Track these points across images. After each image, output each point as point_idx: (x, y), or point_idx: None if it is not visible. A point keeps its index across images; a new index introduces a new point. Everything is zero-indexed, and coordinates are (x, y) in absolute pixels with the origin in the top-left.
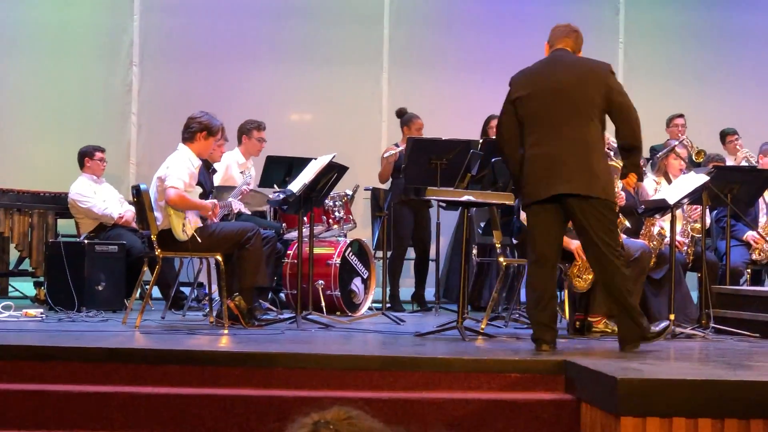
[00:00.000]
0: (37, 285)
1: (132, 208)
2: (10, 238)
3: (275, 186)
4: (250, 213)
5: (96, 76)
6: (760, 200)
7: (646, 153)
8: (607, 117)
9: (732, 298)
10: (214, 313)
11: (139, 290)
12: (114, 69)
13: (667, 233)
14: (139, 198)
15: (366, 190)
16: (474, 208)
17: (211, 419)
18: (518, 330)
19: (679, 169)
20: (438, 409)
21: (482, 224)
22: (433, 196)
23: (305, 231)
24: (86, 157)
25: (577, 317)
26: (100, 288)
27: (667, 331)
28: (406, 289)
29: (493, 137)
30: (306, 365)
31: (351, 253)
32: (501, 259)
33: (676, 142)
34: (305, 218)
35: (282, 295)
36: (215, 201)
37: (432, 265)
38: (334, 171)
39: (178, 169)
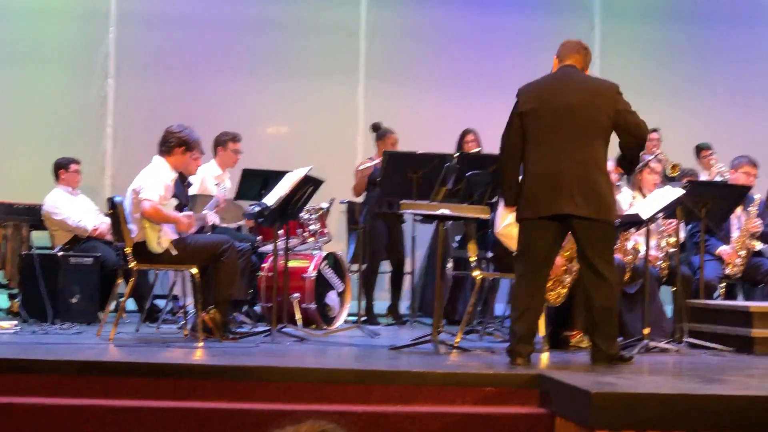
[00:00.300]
0: (10, 297)
1: (107, 221)
2: None
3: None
4: (225, 226)
5: (71, 88)
6: (732, 215)
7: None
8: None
9: (706, 312)
10: (189, 326)
11: (113, 302)
12: (89, 81)
13: (642, 247)
14: (114, 210)
15: (341, 203)
16: (449, 222)
17: None
18: (493, 344)
19: (654, 183)
20: (413, 422)
21: (457, 238)
22: (409, 209)
23: (280, 244)
24: (61, 169)
25: (552, 331)
26: (74, 300)
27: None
28: (382, 302)
29: (469, 151)
30: (281, 378)
31: (326, 267)
32: (476, 272)
33: (651, 157)
34: (280, 231)
35: (257, 308)
36: (190, 213)
37: (407, 279)
38: (309, 184)
39: (154, 181)
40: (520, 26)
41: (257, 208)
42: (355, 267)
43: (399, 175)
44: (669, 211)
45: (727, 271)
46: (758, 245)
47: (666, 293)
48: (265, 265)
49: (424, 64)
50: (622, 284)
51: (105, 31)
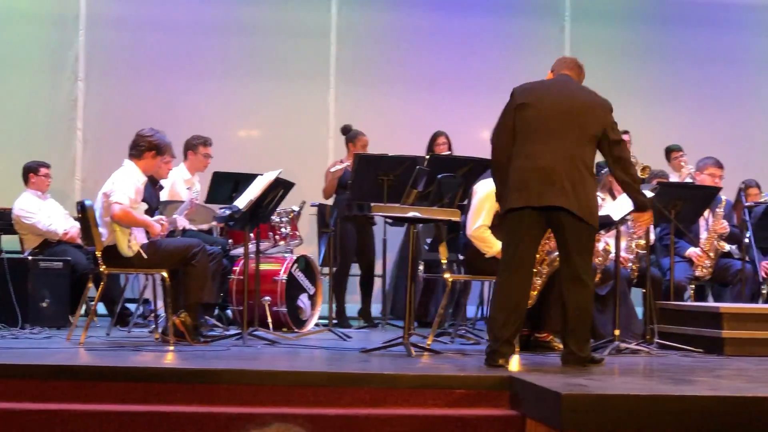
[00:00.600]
0: None
1: (77, 224)
2: None
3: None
4: (196, 229)
5: (41, 92)
6: (700, 217)
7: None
8: None
9: (676, 313)
10: (160, 330)
11: (83, 306)
12: (59, 84)
13: (612, 249)
14: (84, 214)
15: (312, 206)
16: (420, 225)
17: None
18: (464, 346)
19: None
20: (384, 425)
21: (428, 240)
22: (379, 212)
23: (251, 247)
24: (31, 172)
25: (523, 333)
26: (44, 305)
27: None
28: (353, 305)
29: (440, 154)
30: (252, 381)
31: (297, 270)
32: (447, 275)
33: None
34: (251, 234)
35: (228, 311)
36: (162, 217)
37: (378, 281)
38: (280, 187)
39: (124, 185)
40: (490, 29)
41: (228, 212)
42: (326, 270)
43: (370, 178)
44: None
45: (697, 273)
46: (727, 246)
47: (636, 295)
48: (236, 269)
49: (394, 67)
50: (593, 286)
51: (75, 35)
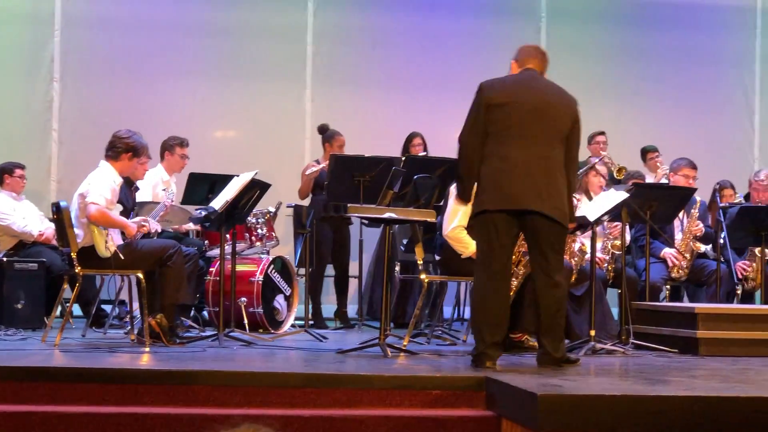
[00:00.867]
0: None
1: (52, 226)
2: None
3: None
4: (171, 231)
5: (16, 92)
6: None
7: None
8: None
9: (651, 314)
10: (136, 331)
11: (59, 308)
12: (34, 85)
13: (588, 250)
14: (59, 215)
15: (288, 207)
16: (396, 225)
17: None
18: (440, 347)
19: (600, 186)
20: (359, 426)
21: (405, 241)
22: (355, 213)
23: (227, 248)
24: (5, 174)
25: None
26: (19, 306)
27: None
28: (330, 306)
29: (416, 154)
30: (227, 383)
31: (274, 271)
32: (423, 276)
33: (597, 159)
34: (227, 235)
35: (204, 312)
36: (146, 218)
37: (354, 282)
38: (256, 188)
39: (100, 185)
40: (466, 29)
41: (204, 213)
42: (302, 271)
43: (346, 179)
44: (614, 213)
45: (673, 274)
46: (702, 247)
47: (612, 295)
48: (213, 270)
49: (371, 68)
50: (569, 286)
51: (50, 35)
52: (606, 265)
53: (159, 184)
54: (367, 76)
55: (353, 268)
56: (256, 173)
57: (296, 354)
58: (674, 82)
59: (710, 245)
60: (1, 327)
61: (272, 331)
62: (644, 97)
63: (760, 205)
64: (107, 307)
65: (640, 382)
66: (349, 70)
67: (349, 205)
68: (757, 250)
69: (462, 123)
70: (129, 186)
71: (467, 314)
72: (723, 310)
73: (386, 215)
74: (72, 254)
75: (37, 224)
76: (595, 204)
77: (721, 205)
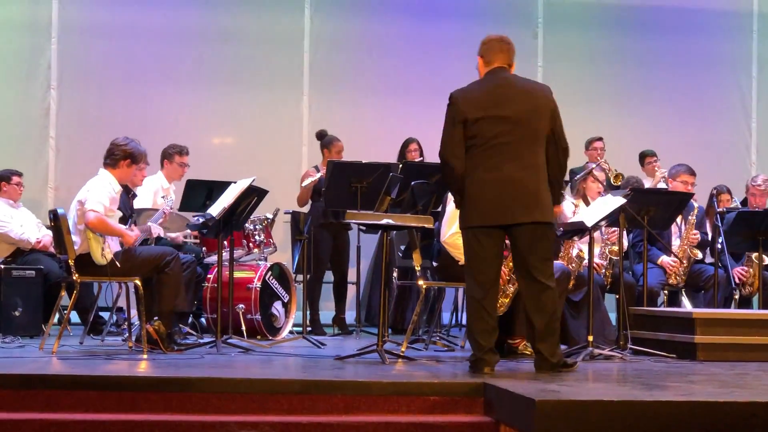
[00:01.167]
0: None
1: (50, 233)
2: None
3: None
4: (169, 239)
5: (13, 100)
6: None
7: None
8: None
9: (649, 319)
10: (133, 338)
11: (57, 315)
12: (32, 92)
13: (586, 255)
14: (56, 222)
15: (286, 213)
16: (394, 231)
17: None
18: (438, 353)
19: (597, 192)
20: None
21: (402, 247)
22: (353, 219)
23: (225, 255)
24: (2, 181)
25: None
26: (16, 313)
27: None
28: (327, 313)
29: (413, 160)
30: (225, 390)
31: (271, 277)
32: (421, 282)
33: (594, 165)
34: (225, 242)
35: (202, 319)
36: (137, 233)
37: (352, 288)
38: (254, 194)
39: (99, 193)
40: (463, 35)
41: (201, 219)
42: (300, 277)
43: (343, 185)
44: (612, 218)
45: (671, 281)
46: (700, 254)
47: (610, 301)
48: (210, 276)
49: (368, 74)
50: (566, 292)
51: (47, 42)
52: (604, 270)
53: (159, 192)
54: (364, 83)
55: (352, 275)
56: (253, 180)
57: (294, 360)
58: (671, 86)
59: (708, 250)
60: None
61: (270, 338)
62: (641, 102)
63: (757, 210)
64: (105, 314)
65: (638, 387)
66: (346, 76)
67: (347, 211)
68: (754, 255)
69: None
70: (127, 193)
71: (465, 320)
72: (720, 315)
73: (384, 221)
74: (69, 261)
75: (34, 232)
76: (593, 209)
77: (718, 210)
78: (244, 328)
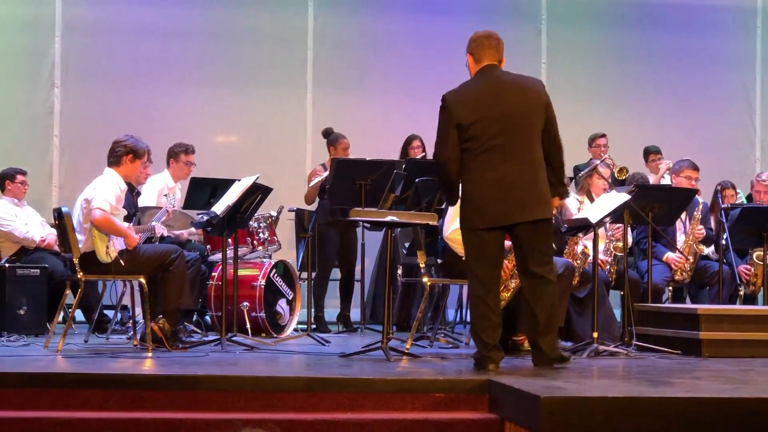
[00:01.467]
0: None
1: (54, 231)
2: None
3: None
4: (173, 236)
5: (17, 98)
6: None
7: (569, 172)
8: None
9: (654, 315)
10: (138, 336)
11: (61, 314)
12: (36, 91)
13: (591, 252)
14: (60, 221)
15: (290, 211)
16: (398, 229)
17: None
18: (443, 350)
19: (603, 188)
20: (362, 429)
21: (407, 244)
22: (357, 216)
23: (229, 253)
24: (7, 180)
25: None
26: (21, 312)
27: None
28: (332, 310)
29: (416, 157)
30: (230, 387)
31: (276, 275)
32: (425, 279)
33: (599, 161)
34: (229, 240)
35: (207, 317)
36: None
37: (357, 286)
38: (258, 192)
39: (105, 190)
40: (466, 32)
41: (206, 217)
42: (304, 275)
43: (347, 182)
44: (616, 215)
45: (676, 277)
46: (706, 250)
47: (614, 297)
48: (215, 274)
49: (372, 72)
50: (571, 288)
51: (51, 41)
52: (608, 266)
53: (164, 190)
54: (368, 80)
55: (357, 272)
56: (257, 177)
57: (299, 358)
58: (675, 83)
59: (712, 247)
60: (4, 333)
61: (275, 336)
62: (645, 99)
63: (761, 206)
64: (110, 313)
65: (643, 383)
66: (350, 73)
67: (352, 209)
68: (755, 255)
69: None
70: (131, 191)
71: (469, 317)
72: (725, 312)
73: (389, 219)
74: (74, 260)
75: (38, 230)
76: (597, 206)
77: (722, 206)
78: (248, 325)
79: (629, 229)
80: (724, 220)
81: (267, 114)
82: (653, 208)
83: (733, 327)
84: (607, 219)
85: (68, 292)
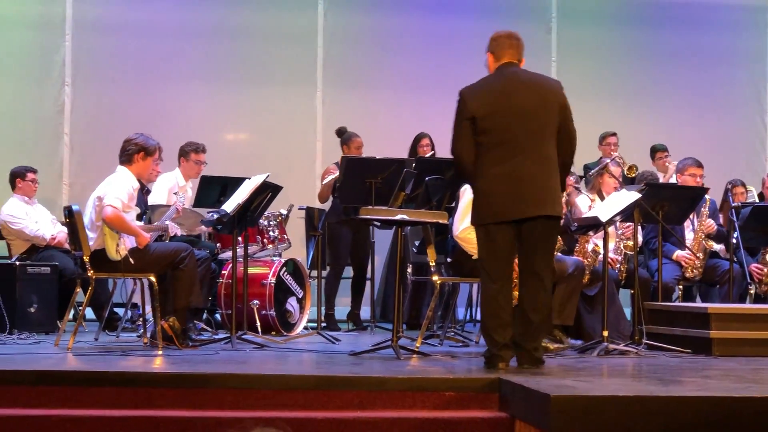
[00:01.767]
0: None
1: (64, 229)
2: None
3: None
4: (184, 234)
5: (28, 97)
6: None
7: (579, 171)
8: None
9: (664, 314)
10: (148, 334)
11: (72, 311)
12: (46, 89)
13: (601, 250)
14: (71, 219)
15: (300, 209)
16: (408, 227)
17: None
18: (453, 348)
19: (614, 187)
20: (372, 428)
21: (417, 243)
22: (368, 215)
23: (240, 251)
24: (18, 177)
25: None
26: (32, 310)
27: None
28: (342, 309)
29: (425, 155)
30: (240, 385)
31: (286, 273)
32: (435, 277)
33: (609, 160)
34: (240, 238)
35: (217, 315)
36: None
37: (367, 284)
38: (268, 190)
39: (118, 188)
40: (476, 31)
41: (216, 216)
42: (314, 273)
43: (358, 181)
44: (627, 214)
45: (687, 274)
46: (715, 246)
47: (625, 296)
48: (225, 272)
49: (381, 70)
50: (581, 286)
51: (61, 39)
52: (618, 265)
53: (175, 189)
54: (377, 78)
55: (368, 270)
56: (267, 176)
57: (309, 356)
58: (685, 81)
59: (722, 244)
60: (15, 331)
61: (285, 334)
62: (655, 97)
63: None
64: (120, 311)
65: (654, 382)
66: (360, 71)
67: (362, 207)
68: (767, 254)
69: None
70: (141, 189)
71: (480, 315)
72: (736, 310)
73: (399, 217)
74: (84, 258)
75: (49, 228)
76: (608, 204)
77: (733, 204)
78: (258, 324)
79: (640, 227)
80: (735, 219)
81: (277, 112)
82: (663, 207)
83: (744, 326)
84: (618, 217)
85: (79, 290)
